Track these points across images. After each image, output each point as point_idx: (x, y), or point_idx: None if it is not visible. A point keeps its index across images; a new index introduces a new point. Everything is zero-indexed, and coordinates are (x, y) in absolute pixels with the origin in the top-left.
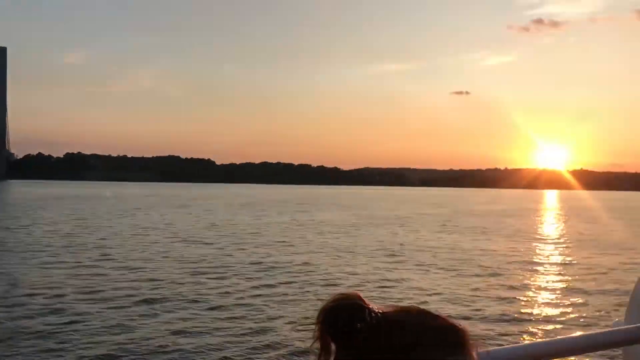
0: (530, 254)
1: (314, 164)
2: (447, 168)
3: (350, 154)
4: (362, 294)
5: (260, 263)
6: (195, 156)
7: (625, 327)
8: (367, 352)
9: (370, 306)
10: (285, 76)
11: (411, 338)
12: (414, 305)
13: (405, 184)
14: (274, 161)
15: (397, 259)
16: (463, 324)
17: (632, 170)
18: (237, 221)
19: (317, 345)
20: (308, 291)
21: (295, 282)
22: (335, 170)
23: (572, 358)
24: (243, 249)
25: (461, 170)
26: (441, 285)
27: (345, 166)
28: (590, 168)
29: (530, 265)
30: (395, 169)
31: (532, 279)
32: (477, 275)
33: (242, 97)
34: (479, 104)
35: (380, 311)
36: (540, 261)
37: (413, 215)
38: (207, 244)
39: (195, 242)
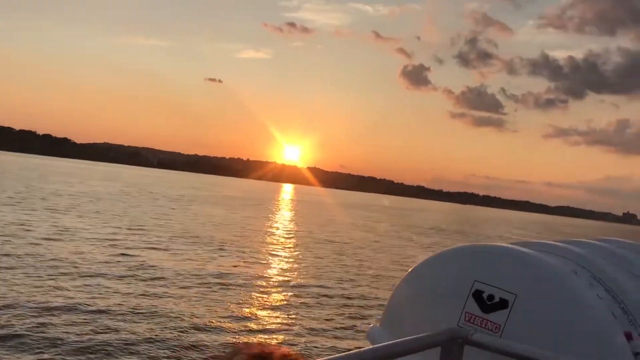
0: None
1: (40, 132)
2: (191, 152)
3: (88, 126)
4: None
5: None
6: None
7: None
8: None
9: None
10: (26, 34)
11: None
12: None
13: (142, 164)
14: None
15: None
16: None
17: (355, 173)
18: None
19: None
20: None
21: None
22: (65, 141)
23: None
24: None
25: (205, 157)
26: None
27: (79, 139)
28: (321, 167)
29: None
30: (135, 147)
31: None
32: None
33: None
34: (230, 94)
35: None
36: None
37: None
38: None
39: None
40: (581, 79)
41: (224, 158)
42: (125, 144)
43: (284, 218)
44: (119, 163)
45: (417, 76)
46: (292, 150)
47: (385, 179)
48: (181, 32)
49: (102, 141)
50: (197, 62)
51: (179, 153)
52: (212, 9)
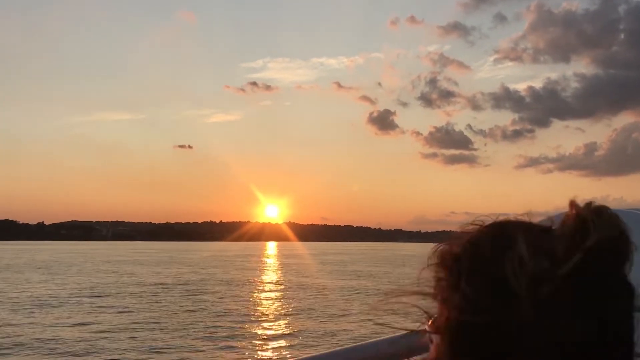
0: None
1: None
2: (163, 221)
3: (48, 205)
4: None
5: None
6: None
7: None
8: None
9: None
10: None
11: None
12: None
13: (95, 238)
14: None
15: None
16: None
17: (332, 224)
18: None
19: None
20: None
21: None
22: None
23: None
24: None
25: (177, 224)
26: None
27: (28, 219)
28: (298, 221)
29: None
30: (89, 222)
31: None
32: None
33: None
34: (202, 159)
35: None
36: None
37: None
38: None
39: None
40: (544, 108)
41: (195, 223)
42: (94, 220)
43: None
44: (72, 240)
45: (383, 121)
46: (271, 207)
47: (362, 226)
48: (148, 104)
49: (69, 219)
50: (166, 131)
51: (149, 223)
52: (175, 77)
